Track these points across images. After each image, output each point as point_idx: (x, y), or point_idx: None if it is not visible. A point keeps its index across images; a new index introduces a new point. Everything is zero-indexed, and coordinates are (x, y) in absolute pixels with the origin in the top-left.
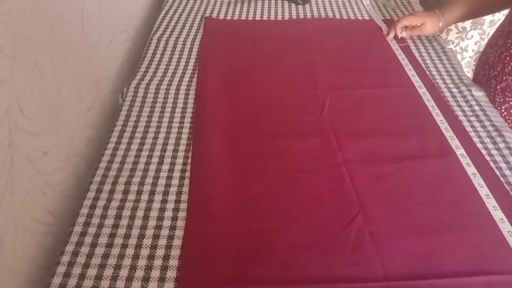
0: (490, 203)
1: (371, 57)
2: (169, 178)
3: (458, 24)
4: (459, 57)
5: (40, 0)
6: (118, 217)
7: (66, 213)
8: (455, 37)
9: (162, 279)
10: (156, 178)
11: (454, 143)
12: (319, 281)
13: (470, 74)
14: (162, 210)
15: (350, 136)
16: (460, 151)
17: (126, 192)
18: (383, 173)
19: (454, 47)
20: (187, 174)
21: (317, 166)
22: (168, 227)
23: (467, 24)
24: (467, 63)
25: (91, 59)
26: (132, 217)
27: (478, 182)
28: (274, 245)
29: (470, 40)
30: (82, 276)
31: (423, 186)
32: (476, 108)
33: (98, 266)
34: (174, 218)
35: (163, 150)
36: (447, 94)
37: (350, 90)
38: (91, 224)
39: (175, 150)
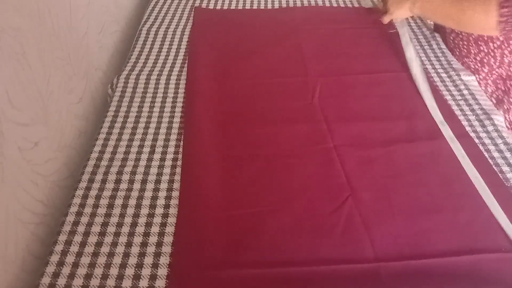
0: (479, 183)
1: (360, 44)
2: (161, 167)
3: None
4: None
5: None
6: (110, 206)
7: (59, 204)
8: None
9: (155, 265)
10: (147, 167)
11: (443, 126)
12: (309, 263)
13: None
14: (155, 198)
15: (340, 122)
16: (448, 134)
17: (118, 181)
18: (373, 156)
19: None
20: (179, 162)
21: (308, 152)
22: (161, 215)
23: None
24: None
25: (80, 50)
26: (124, 206)
27: (467, 163)
28: (264, 229)
29: None
30: (75, 264)
31: (412, 168)
32: (465, 92)
33: (91, 254)
34: (167, 206)
35: (154, 140)
36: (437, 79)
37: (340, 76)
38: (83, 213)
39: (166, 140)
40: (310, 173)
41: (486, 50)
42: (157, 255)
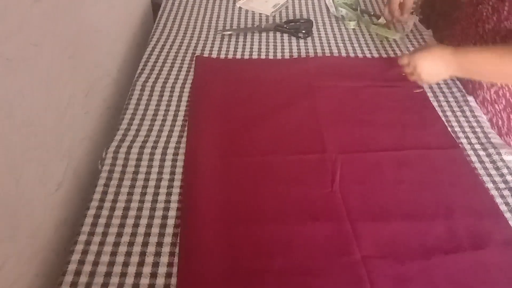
0: None
1: (383, 108)
2: (155, 264)
3: None
4: None
5: None
6: None
7: None
8: None
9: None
10: (140, 265)
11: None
12: None
13: None
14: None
15: (367, 220)
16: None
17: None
18: (409, 274)
19: None
20: (174, 269)
21: (331, 266)
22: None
23: None
24: None
25: (60, 127)
26: None
27: None
28: None
29: None
30: None
31: None
32: (509, 178)
33: None
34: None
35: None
36: (474, 158)
37: (362, 153)
38: None
39: (161, 235)
40: None
41: None
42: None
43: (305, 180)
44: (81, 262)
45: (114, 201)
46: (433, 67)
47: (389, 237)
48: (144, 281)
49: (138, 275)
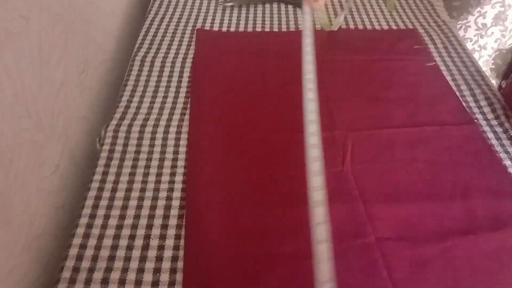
0: None
1: (396, 83)
2: (161, 247)
3: (478, 20)
4: (476, 55)
5: None
6: None
7: None
8: (474, 34)
9: None
10: (144, 249)
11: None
12: None
13: (488, 73)
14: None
15: (380, 200)
16: None
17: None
18: (426, 256)
19: (472, 44)
20: (181, 252)
21: (344, 249)
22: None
23: (488, 20)
24: (485, 62)
25: (54, 107)
26: None
27: None
28: None
29: (490, 37)
30: None
31: (475, 275)
32: None
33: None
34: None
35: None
36: (490, 135)
37: (374, 130)
38: None
39: (166, 216)
40: (349, 284)
41: None
42: None
43: None
44: (83, 246)
45: (116, 182)
46: None
47: (404, 218)
48: (149, 265)
49: (142, 259)
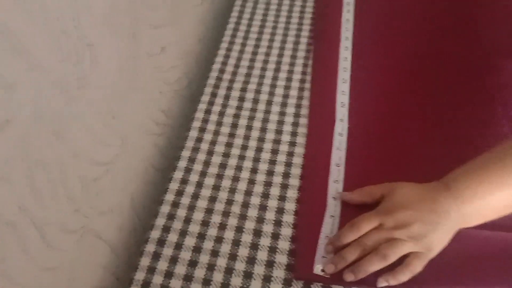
0: None
1: None
2: (287, 87)
3: None
4: None
5: None
6: (234, 126)
7: (177, 115)
8: None
9: (284, 186)
10: (273, 86)
11: None
12: None
13: None
14: (281, 122)
15: None
16: None
17: (241, 99)
18: None
19: None
20: (307, 85)
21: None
22: (287, 143)
23: None
24: None
25: None
26: (248, 127)
27: None
28: None
29: None
30: (199, 185)
31: None
32: None
33: (215, 175)
34: (293, 134)
35: (280, 55)
36: None
37: None
38: (206, 130)
39: (293, 56)
40: None
41: None
42: (286, 175)
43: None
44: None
45: (249, 25)
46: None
47: None
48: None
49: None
